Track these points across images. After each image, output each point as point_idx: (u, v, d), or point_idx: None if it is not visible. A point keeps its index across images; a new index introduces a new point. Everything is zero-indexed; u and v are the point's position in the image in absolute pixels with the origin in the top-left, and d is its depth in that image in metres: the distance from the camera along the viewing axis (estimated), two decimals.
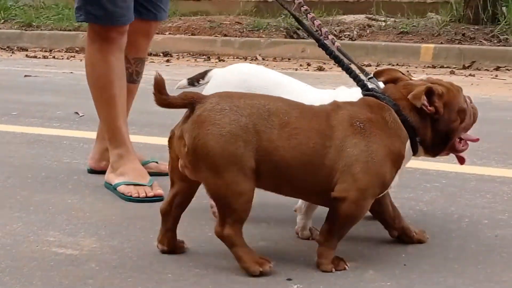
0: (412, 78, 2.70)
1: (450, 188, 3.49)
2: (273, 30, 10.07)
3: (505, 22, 9.22)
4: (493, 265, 2.54)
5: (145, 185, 3.33)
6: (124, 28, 3.39)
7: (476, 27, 9.33)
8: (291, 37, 9.71)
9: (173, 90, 2.65)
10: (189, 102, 2.41)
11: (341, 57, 2.79)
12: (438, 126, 2.57)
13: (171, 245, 2.64)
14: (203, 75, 3.07)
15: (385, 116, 2.51)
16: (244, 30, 10.19)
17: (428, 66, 8.59)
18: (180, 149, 2.42)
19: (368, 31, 9.71)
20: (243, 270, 2.43)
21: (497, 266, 2.54)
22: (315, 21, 2.96)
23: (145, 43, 3.68)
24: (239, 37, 9.99)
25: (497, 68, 8.26)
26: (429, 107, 2.52)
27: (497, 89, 6.86)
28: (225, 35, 10.10)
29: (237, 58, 9.28)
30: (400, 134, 2.52)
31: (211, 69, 3.04)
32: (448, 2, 10.12)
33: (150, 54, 9.44)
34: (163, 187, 3.23)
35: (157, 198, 3.26)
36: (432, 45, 8.92)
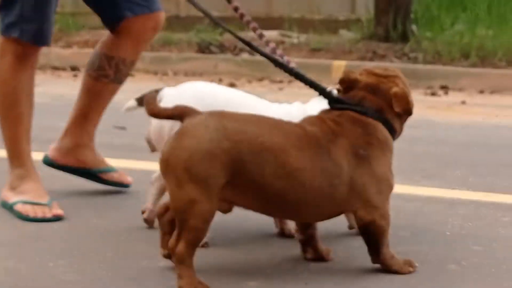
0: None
1: None
2: (185, 45, 10.02)
3: (414, 40, 9.40)
4: (397, 282, 2.55)
5: (44, 205, 3.22)
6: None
7: (386, 44, 9.48)
8: (203, 52, 9.68)
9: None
10: (178, 114, 2.41)
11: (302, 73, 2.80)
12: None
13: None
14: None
15: (378, 136, 2.60)
16: (155, 45, 10.10)
17: None
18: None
19: (281, 48, 9.73)
20: None
21: (395, 284, 2.55)
22: (269, 44, 3.14)
23: (145, 44, 3.56)
24: (149, 52, 9.89)
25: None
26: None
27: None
28: None
29: (147, 73, 9.18)
30: (391, 146, 2.67)
31: (161, 88, 2.94)
32: (360, 20, 10.27)
33: (56, 69, 9.26)
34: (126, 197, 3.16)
35: (55, 218, 3.16)
36: (343, 62, 9.00)
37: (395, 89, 2.63)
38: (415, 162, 4.42)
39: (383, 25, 9.58)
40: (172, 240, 2.40)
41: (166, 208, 2.56)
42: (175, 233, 2.39)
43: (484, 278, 2.62)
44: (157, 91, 2.56)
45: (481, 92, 7.88)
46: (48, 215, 3.19)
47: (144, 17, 3.45)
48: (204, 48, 9.76)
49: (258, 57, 9.39)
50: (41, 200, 3.25)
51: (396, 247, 2.90)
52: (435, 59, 8.90)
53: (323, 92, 2.69)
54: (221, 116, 2.43)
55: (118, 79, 3.57)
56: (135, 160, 4.19)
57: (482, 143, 5.19)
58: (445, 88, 8.12)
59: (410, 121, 5.82)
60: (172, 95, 2.87)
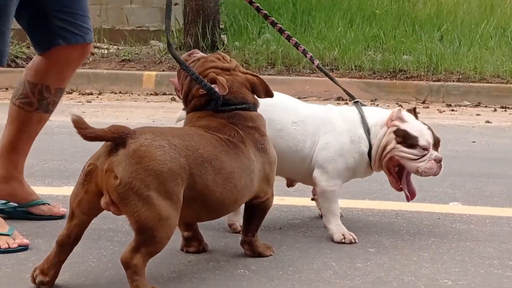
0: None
1: None
2: None
3: (224, 50, 9.57)
4: None
5: (5, 235, 3.02)
6: None
7: None
8: (9, 66, 9.37)
9: None
10: (119, 136, 2.42)
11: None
12: None
13: (55, 279, 2.59)
14: None
15: (264, 125, 2.88)
16: None
17: (150, 94, 8.68)
18: (108, 182, 2.40)
19: (90, 59, 9.62)
20: None
21: None
22: (299, 46, 3.49)
23: (71, 72, 3.39)
24: None
25: None
26: None
27: None
28: None
29: None
30: None
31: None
32: (170, 30, 10.32)
33: None
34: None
35: (22, 248, 3.00)
36: (154, 73, 9.03)
37: (255, 79, 2.89)
38: None
39: (192, 35, 9.69)
40: (127, 254, 2.41)
41: (69, 237, 2.55)
42: (130, 246, 2.42)
43: (271, 280, 2.72)
44: (76, 116, 2.46)
45: None
46: (14, 246, 2.98)
47: (75, 46, 3.33)
48: (10, 62, 9.43)
49: None
50: (1, 230, 3.04)
51: (190, 255, 2.96)
52: (243, 68, 9.08)
53: (211, 93, 2.77)
54: (162, 133, 2.53)
55: (44, 108, 3.38)
56: None
57: None
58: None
59: None
60: None
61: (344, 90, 3.47)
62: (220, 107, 2.79)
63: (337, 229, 3.19)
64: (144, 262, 2.44)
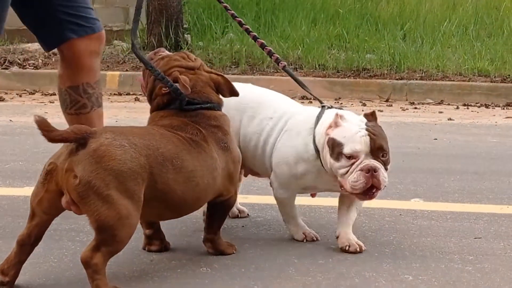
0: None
1: None
2: None
3: (188, 49, 9.55)
4: None
5: None
6: None
7: None
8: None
9: None
10: (82, 137, 2.43)
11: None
12: None
13: (15, 279, 2.57)
14: None
15: (228, 124, 2.89)
16: None
17: (114, 94, 8.63)
18: (68, 181, 2.41)
19: (53, 59, 9.54)
20: None
21: None
22: (265, 48, 3.38)
23: (97, 62, 3.46)
24: None
25: None
26: None
27: None
28: None
29: None
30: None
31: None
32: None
33: None
34: None
35: None
36: (117, 73, 8.98)
37: (219, 79, 2.88)
38: None
39: (156, 35, 9.66)
40: (87, 253, 2.41)
41: (30, 236, 2.54)
42: (91, 246, 2.41)
43: (233, 278, 2.72)
44: (39, 116, 2.46)
45: None
46: None
47: (90, 37, 3.39)
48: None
49: (29, 70, 9.19)
50: None
51: (152, 254, 2.95)
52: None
53: (176, 93, 2.77)
54: (122, 133, 2.54)
55: (96, 103, 3.45)
56: None
57: None
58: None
59: None
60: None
61: (312, 94, 3.24)
62: (184, 106, 2.79)
63: (297, 229, 3.15)
64: (104, 262, 2.43)
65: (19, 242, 2.56)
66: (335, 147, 2.81)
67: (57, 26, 3.36)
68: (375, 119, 2.90)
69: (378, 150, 2.77)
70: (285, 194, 3.08)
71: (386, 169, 2.83)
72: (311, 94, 3.26)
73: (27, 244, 2.55)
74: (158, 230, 3.00)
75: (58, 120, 6.42)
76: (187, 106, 2.79)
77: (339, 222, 3.04)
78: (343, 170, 2.79)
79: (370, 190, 2.79)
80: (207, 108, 2.82)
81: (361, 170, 2.75)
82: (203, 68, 2.91)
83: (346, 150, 2.76)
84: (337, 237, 3.02)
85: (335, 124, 2.84)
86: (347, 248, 2.97)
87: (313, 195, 3.33)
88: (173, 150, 2.62)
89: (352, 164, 2.76)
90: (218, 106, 2.88)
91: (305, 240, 3.12)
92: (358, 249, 2.95)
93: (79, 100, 3.43)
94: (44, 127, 2.42)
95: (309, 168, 2.96)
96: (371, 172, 2.74)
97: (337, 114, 2.85)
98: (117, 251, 2.48)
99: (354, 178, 2.76)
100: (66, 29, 3.36)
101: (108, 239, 2.42)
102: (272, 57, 3.36)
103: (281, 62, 3.31)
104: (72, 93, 3.42)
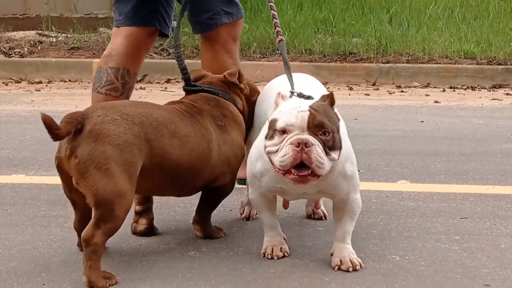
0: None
1: None
2: None
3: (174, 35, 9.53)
4: (133, 275, 2.59)
5: None
6: None
7: None
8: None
9: None
10: (78, 123, 2.49)
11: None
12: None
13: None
14: None
15: (230, 110, 2.99)
16: None
17: None
18: (70, 165, 2.49)
19: (39, 48, 9.51)
20: (88, 282, 2.45)
21: (137, 275, 2.59)
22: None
23: (144, 55, 3.58)
24: None
25: (168, 81, 8.51)
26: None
27: (164, 101, 7.01)
28: None
29: None
30: (242, 121, 3.04)
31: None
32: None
33: None
34: None
35: None
36: None
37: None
38: None
39: None
40: (88, 231, 2.45)
41: (84, 221, 2.59)
42: (91, 224, 2.47)
43: (222, 261, 2.73)
44: (45, 115, 2.46)
45: None
46: None
47: (233, 23, 3.58)
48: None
49: (15, 59, 9.15)
50: None
51: (140, 240, 2.96)
52: (194, 54, 9.08)
53: (182, 73, 3.00)
54: (113, 106, 2.61)
55: (126, 93, 3.52)
56: None
57: None
58: None
59: None
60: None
61: (289, 78, 2.89)
62: (184, 86, 3.00)
63: (266, 239, 2.82)
64: (103, 241, 2.48)
65: (77, 231, 2.71)
66: (271, 125, 2.50)
67: (211, 13, 3.59)
68: (332, 101, 2.55)
69: (316, 126, 2.40)
70: (252, 195, 2.75)
71: (327, 151, 2.42)
72: (289, 77, 2.89)
73: (83, 228, 2.56)
74: (149, 210, 3.02)
75: (44, 108, 6.45)
76: (186, 87, 3.02)
77: (335, 238, 2.72)
78: (274, 148, 2.44)
79: (301, 168, 2.40)
80: (211, 93, 2.98)
81: (291, 143, 2.39)
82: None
83: (279, 124, 2.43)
84: (331, 254, 2.72)
85: (276, 104, 2.59)
86: (337, 267, 2.65)
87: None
88: (167, 116, 2.71)
89: (284, 140, 2.43)
90: (224, 94, 3.02)
91: (264, 255, 2.77)
92: (351, 268, 2.62)
93: (114, 82, 3.48)
94: (51, 124, 2.44)
95: (266, 167, 2.59)
96: (301, 146, 2.37)
97: (278, 93, 2.60)
98: (115, 228, 2.51)
99: (282, 153, 2.39)
100: (220, 14, 3.58)
101: (106, 215, 2.46)
102: (276, 28, 3.28)
103: (280, 35, 3.24)
104: (110, 74, 3.48)
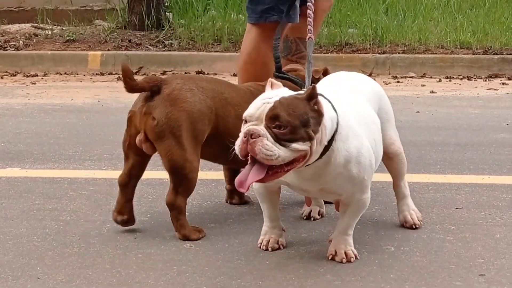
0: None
1: (97, 195, 3.49)
2: None
3: (169, 28, 9.52)
4: (129, 268, 2.59)
5: None
6: None
7: (142, 33, 9.52)
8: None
9: None
10: (155, 85, 2.74)
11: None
12: None
13: (131, 215, 2.93)
14: None
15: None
16: None
17: (96, 74, 8.59)
18: (146, 123, 2.71)
19: (34, 40, 9.48)
20: (183, 237, 2.83)
21: (132, 268, 2.59)
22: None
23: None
24: None
25: (164, 73, 8.49)
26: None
27: None
28: None
29: None
30: None
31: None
32: (115, 9, 10.21)
33: None
34: None
35: None
36: (99, 52, 8.93)
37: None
38: None
39: (137, 13, 9.62)
40: (170, 196, 2.77)
41: (129, 177, 2.88)
42: (170, 189, 2.77)
43: (217, 253, 2.73)
44: (126, 65, 2.75)
45: (234, 75, 8.13)
46: None
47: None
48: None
49: (10, 52, 9.12)
50: None
51: (135, 232, 2.96)
52: (190, 45, 9.07)
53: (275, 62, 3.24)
54: (191, 78, 2.87)
55: (303, 60, 3.71)
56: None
57: None
58: (200, 73, 8.31)
59: None
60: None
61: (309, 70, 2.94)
62: (275, 72, 3.23)
63: (264, 232, 2.82)
64: (184, 203, 2.80)
65: (120, 184, 2.90)
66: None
67: None
68: (308, 96, 2.43)
69: (270, 119, 2.37)
70: (256, 184, 2.70)
71: (282, 143, 2.37)
72: (307, 74, 2.91)
73: (127, 184, 2.89)
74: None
75: (40, 101, 6.44)
76: (275, 73, 3.24)
77: (336, 226, 2.74)
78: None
79: (252, 160, 2.39)
80: (294, 82, 3.20)
81: (242, 134, 2.39)
82: None
83: (244, 113, 2.44)
84: (329, 241, 2.75)
85: (265, 91, 2.56)
86: (331, 256, 2.66)
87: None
88: (236, 98, 2.91)
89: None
90: (303, 82, 3.15)
91: (261, 246, 2.78)
92: (344, 260, 2.64)
93: (302, 51, 3.72)
94: (128, 75, 2.68)
95: None
96: (247, 137, 2.36)
97: (269, 80, 2.57)
98: (190, 190, 2.79)
99: (236, 143, 2.40)
100: None
101: (181, 180, 2.74)
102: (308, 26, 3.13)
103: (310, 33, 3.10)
104: (299, 43, 3.71)
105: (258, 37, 3.56)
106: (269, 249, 2.76)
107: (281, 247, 2.78)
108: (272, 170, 2.39)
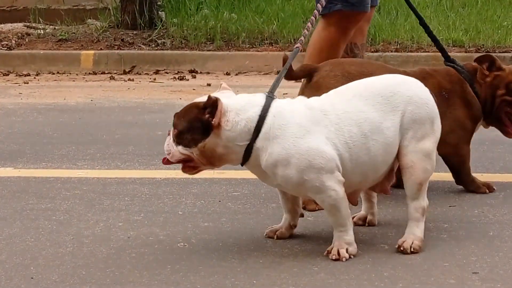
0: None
1: (90, 194, 3.49)
2: None
3: (162, 27, 9.50)
4: (122, 267, 2.59)
5: None
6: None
7: (134, 32, 9.49)
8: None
9: None
10: (308, 73, 3.08)
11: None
12: None
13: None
14: None
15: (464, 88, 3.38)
16: None
17: (89, 73, 8.56)
18: None
19: (27, 40, 9.45)
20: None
21: (125, 268, 2.58)
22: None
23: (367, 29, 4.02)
24: None
25: (157, 72, 8.49)
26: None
27: (152, 92, 7.03)
28: None
29: None
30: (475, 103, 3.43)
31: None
32: (107, 8, 10.19)
33: None
34: None
35: None
36: (92, 52, 8.90)
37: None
38: (154, 147, 4.45)
39: (129, 12, 9.59)
40: None
41: None
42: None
43: (211, 252, 2.73)
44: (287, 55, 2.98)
45: (227, 74, 8.12)
46: None
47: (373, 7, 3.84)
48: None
49: (2, 51, 9.08)
50: None
51: (128, 231, 2.96)
52: (182, 44, 9.06)
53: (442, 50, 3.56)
54: (340, 63, 3.12)
55: None
56: None
57: None
58: (193, 72, 8.30)
59: (153, 106, 5.86)
60: None
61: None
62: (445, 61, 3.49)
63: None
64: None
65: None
66: None
67: None
68: (205, 104, 2.58)
69: (174, 125, 2.67)
70: None
71: (176, 144, 2.64)
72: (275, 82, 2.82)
73: None
74: None
75: (32, 100, 6.42)
76: (445, 61, 3.48)
77: None
78: None
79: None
80: (457, 69, 3.38)
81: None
82: None
83: None
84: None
85: None
86: (326, 252, 2.67)
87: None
88: None
89: None
90: (467, 75, 3.37)
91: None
92: (334, 257, 2.63)
93: (347, 55, 3.84)
94: (289, 66, 2.91)
95: None
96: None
97: (221, 84, 2.75)
98: None
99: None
100: None
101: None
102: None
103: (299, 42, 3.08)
104: (353, 48, 3.88)
105: (325, 29, 3.70)
106: (274, 237, 2.86)
107: (278, 235, 2.86)
108: (185, 164, 2.68)
